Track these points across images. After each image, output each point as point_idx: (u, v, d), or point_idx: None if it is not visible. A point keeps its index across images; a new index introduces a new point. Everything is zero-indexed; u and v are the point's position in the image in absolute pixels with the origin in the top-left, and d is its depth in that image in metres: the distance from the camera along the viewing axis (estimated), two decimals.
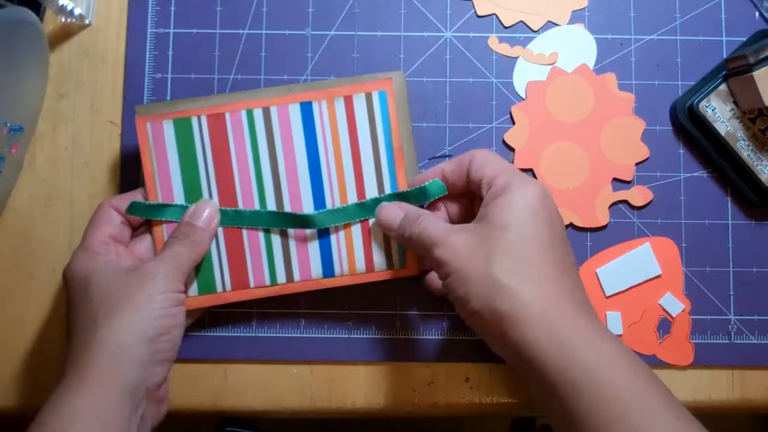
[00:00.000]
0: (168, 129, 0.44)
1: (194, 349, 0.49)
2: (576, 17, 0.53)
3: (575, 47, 0.52)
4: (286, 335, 0.50)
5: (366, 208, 0.45)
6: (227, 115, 0.44)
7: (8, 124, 0.47)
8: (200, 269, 0.45)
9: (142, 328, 0.39)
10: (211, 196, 0.45)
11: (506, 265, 0.37)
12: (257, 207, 0.45)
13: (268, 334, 0.50)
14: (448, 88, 0.52)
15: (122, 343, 0.39)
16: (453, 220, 0.46)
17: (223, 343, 0.50)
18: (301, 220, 0.44)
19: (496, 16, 0.52)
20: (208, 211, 0.44)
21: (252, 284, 0.45)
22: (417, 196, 0.44)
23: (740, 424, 1.09)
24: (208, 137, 0.44)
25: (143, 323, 0.39)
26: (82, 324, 0.40)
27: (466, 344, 0.50)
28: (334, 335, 0.50)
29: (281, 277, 0.45)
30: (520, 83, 0.52)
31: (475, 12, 0.53)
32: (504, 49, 0.52)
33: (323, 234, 0.45)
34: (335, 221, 0.45)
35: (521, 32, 0.52)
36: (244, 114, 0.44)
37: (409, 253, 0.45)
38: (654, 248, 0.51)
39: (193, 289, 0.45)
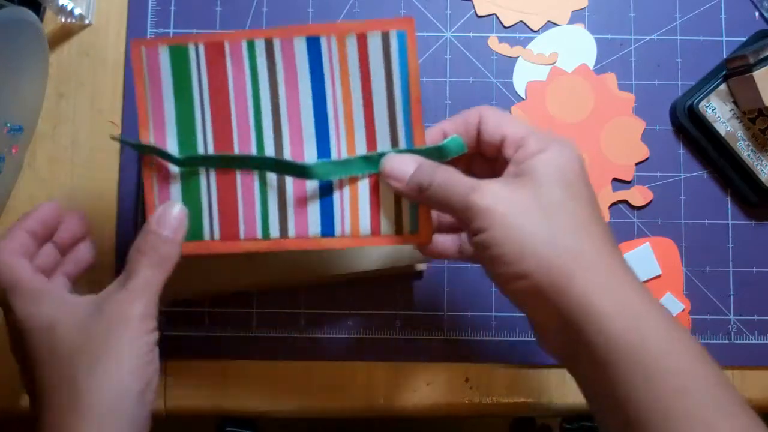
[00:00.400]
0: (163, 55, 0.39)
1: (194, 349, 0.49)
2: (576, 17, 0.53)
3: (575, 47, 0.52)
4: (286, 335, 0.50)
5: (374, 163, 0.39)
6: (226, 45, 0.39)
7: (8, 124, 0.47)
8: (188, 213, 0.40)
9: (129, 383, 0.34)
10: (205, 133, 0.39)
11: (564, 222, 0.32)
12: (254, 148, 0.40)
13: (268, 334, 0.50)
14: (448, 88, 0.52)
15: (113, 406, 0.33)
16: None
17: (223, 343, 0.50)
18: (298, 170, 0.39)
19: (496, 16, 0.52)
20: (174, 215, 0.38)
21: (242, 235, 0.40)
22: (432, 155, 0.38)
23: None
24: (205, 68, 0.39)
25: (129, 378, 0.34)
26: (53, 384, 0.34)
27: (466, 344, 0.50)
28: (334, 335, 0.50)
29: (274, 230, 0.40)
30: (520, 83, 0.52)
31: (475, 12, 0.52)
32: (504, 49, 0.52)
33: (326, 187, 0.40)
34: (338, 174, 0.39)
35: (521, 32, 0.52)
36: (244, 44, 0.39)
37: (422, 217, 0.39)
38: (654, 248, 0.51)
39: None
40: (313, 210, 0.39)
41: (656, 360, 0.30)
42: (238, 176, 0.40)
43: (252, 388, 0.50)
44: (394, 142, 0.39)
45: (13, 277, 0.36)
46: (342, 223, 0.39)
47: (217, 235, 0.40)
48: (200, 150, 0.40)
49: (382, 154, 0.38)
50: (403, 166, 0.37)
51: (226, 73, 0.39)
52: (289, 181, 0.39)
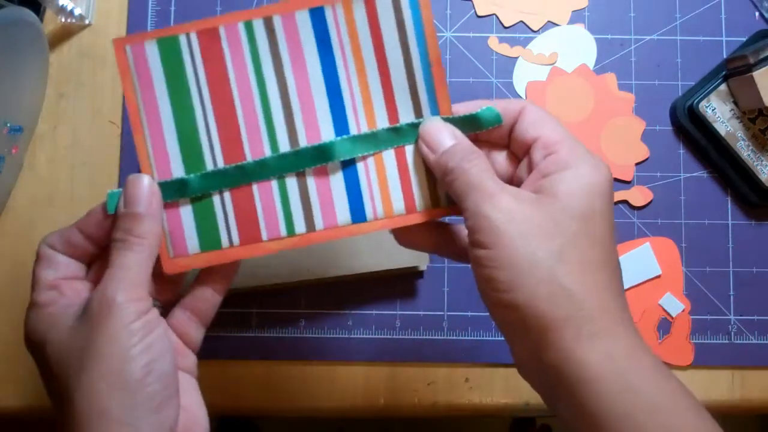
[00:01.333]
0: (151, 51, 0.35)
1: None
2: (576, 17, 0.53)
3: (575, 47, 0.52)
4: (286, 335, 0.50)
5: (401, 134, 0.36)
6: (222, 30, 0.35)
7: (8, 124, 0.47)
8: (199, 221, 0.36)
9: (119, 384, 0.30)
10: (209, 134, 0.36)
11: (572, 263, 0.30)
12: (265, 140, 0.36)
13: (268, 334, 0.50)
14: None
15: (104, 412, 0.30)
16: None
17: (223, 343, 0.50)
18: (319, 152, 0.36)
19: (496, 16, 0.52)
20: (143, 187, 0.34)
21: (265, 237, 0.36)
22: (465, 125, 0.35)
23: (740, 424, 1.09)
24: (200, 59, 0.35)
25: (118, 378, 0.30)
26: (57, 392, 0.32)
27: (466, 344, 0.50)
28: (334, 335, 0.50)
29: (300, 225, 0.36)
30: (520, 83, 0.52)
31: (475, 12, 0.53)
32: (504, 49, 0.52)
33: (349, 167, 0.36)
34: (362, 150, 0.36)
35: (521, 32, 0.52)
36: (241, 27, 0.35)
37: (441, 94, 0.36)
38: (654, 248, 0.51)
39: (194, 245, 0.36)
40: (340, 197, 0.36)
41: (651, 418, 0.28)
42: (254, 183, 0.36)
43: (252, 388, 0.50)
44: (417, 112, 0.36)
45: (31, 288, 0.34)
46: (373, 205, 0.36)
47: (236, 240, 0.36)
48: (205, 152, 0.36)
49: (413, 124, 0.36)
50: (441, 137, 0.34)
51: (225, 62, 0.36)
52: (310, 173, 0.36)
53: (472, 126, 0.35)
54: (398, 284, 0.50)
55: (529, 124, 0.34)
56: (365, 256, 0.48)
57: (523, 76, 0.52)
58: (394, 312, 0.50)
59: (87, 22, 0.52)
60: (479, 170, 0.32)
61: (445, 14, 0.52)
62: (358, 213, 0.36)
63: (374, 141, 0.36)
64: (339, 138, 0.36)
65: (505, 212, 0.30)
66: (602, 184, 0.32)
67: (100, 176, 0.51)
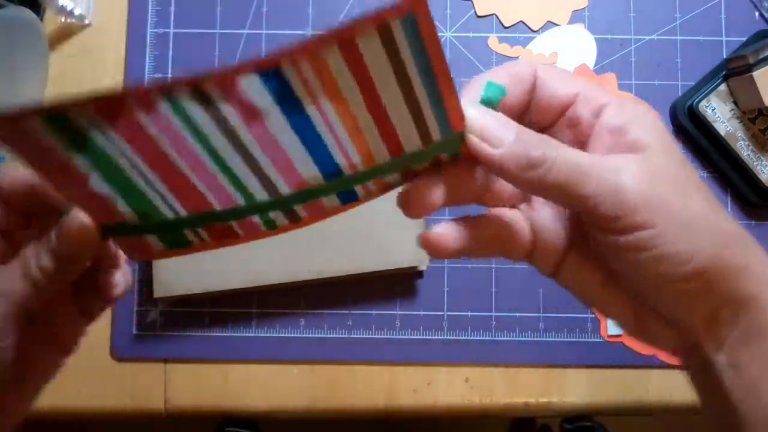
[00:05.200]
0: (40, 129, 0.25)
1: (194, 349, 0.49)
2: (576, 17, 0.53)
3: (575, 47, 0.52)
4: (286, 335, 0.50)
5: (406, 158, 0.28)
6: (139, 114, 0.24)
7: None
8: (163, 233, 0.29)
9: None
10: (164, 199, 0.27)
11: (715, 209, 0.27)
12: (237, 197, 0.28)
13: (268, 334, 0.50)
14: None
15: None
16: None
17: (223, 343, 0.50)
18: (307, 194, 0.28)
19: (496, 16, 0.52)
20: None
21: (241, 234, 0.30)
22: None
23: None
24: (113, 133, 0.25)
25: None
26: None
27: (466, 344, 0.50)
28: (334, 335, 0.50)
29: (282, 221, 0.30)
30: None
31: (475, 12, 0.53)
32: (504, 49, 0.52)
33: (345, 192, 0.29)
34: (360, 182, 0.29)
35: (521, 32, 0.52)
36: (164, 107, 0.24)
37: (452, 111, 0.26)
38: None
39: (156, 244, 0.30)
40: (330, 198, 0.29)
41: None
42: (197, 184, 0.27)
43: (252, 388, 0.50)
44: (425, 138, 0.27)
45: None
46: (363, 188, 0.29)
47: (206, 236, 0.29)
48: (165, 210, 0.27)
49: (415, 154, 0.27)
50: (501, 128, 0.26)
51: (150, 137, 0.25)
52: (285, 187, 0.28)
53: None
54: (398, 284, 0.50)
55: (557, 85, 0.29)
56: (365, 257, 0.48)
57: None
58: (394, 312, 0.50)
59: (87, 22, 0.52)
60: (570, 150, 0.26)
61: (445, 14, 0.52)
62: (346, 197, 0.29)
63: (375, 172, 0.28)
64: (328, 182, 0.28)
65: (645, 181, 0.26)
66: (660, 121, 0.29)
67: None
